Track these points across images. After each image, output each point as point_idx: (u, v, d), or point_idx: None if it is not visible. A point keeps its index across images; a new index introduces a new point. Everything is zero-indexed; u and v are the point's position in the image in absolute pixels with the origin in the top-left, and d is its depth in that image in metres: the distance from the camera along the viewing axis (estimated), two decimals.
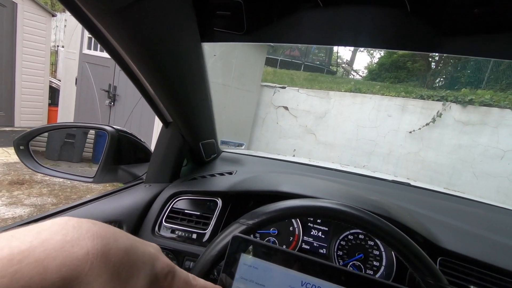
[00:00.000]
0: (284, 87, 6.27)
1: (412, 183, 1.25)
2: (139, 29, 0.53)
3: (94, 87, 4.97)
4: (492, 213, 1.05)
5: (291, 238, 0.89)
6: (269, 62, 10.78)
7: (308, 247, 0.87)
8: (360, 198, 0.81)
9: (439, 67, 8.70)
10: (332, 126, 5.78)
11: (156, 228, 0.85)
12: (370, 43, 0.72)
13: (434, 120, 4.85)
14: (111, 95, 4.66)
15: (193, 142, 0.96)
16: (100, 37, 0.58)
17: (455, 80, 7.27)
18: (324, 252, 0.86)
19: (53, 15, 6.26)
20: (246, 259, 0.52)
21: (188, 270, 0.55)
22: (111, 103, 4.70)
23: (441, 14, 0.54)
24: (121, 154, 1.00)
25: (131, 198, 0.87)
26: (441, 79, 8.45)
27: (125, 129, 0.98)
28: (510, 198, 4.20)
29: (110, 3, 0.45)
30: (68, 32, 5.65)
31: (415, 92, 5.41)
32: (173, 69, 0.67)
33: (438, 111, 4.83)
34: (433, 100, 4.98)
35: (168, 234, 0.85)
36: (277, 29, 0.68)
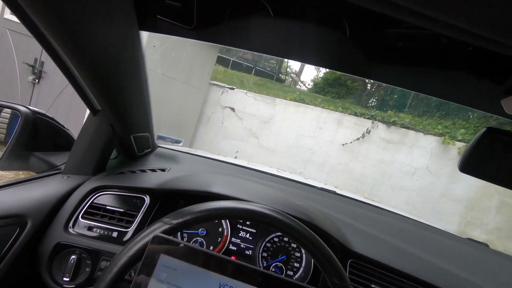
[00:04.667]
0: (233, 88, 6.28)
1: (338, 191, 1.36)
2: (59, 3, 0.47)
3: (16, 59, 4.28)
4: (399, 222, 1.21)
5: (219, 239, 0.89)
6: (222, 61, 10.69)
7: (235, 248, 0.89)
8: (285, 202, 0.85)
9: (373, 89, 9.65)
10: (275, 132, 5.98)
11: (70, 225, 0.77)
12: (310, 60, 0.77)
13: (363, 135, 5.38)
14: (36, 71, 4.07)
15: (123, 134, 0.90)
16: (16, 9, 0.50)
17: (384, 102, 8.17)
18: (250, 253, 0.88)
19: None
20: (166, 260, 0.51)
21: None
22: (35, 80, 4.11)
23: (374, 43, 0.61)
24: (36, 140, 0.89)
25: (43, 190, 0.78)
26: (374, 100, 9.42)
27: (43, 112, 0.87)
28: (416, 209, 4.89)
29: None
30: None
31: (350, 109, 5.91)
32: (103, 53, 0.61)
33: (368, 128, 5.37)
34: (364, 117, 5.51)
35: (83, 231, 0.78)
36: (227, 30, 0.68)
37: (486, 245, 1.24)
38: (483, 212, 4.49)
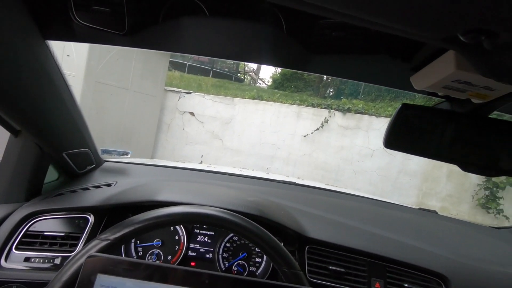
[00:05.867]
0: (189, 93, 6.16)
1: (298, 181, 1.39)
2: None
3: None
4: (356, 202, 1.26)
5: (177, 247, 0.86)
6: (177, 66, 10.45)
7: (195, 254, 0.87)
8: (236, 200, 0.84)
9: (329, 80, 10.02)
10: (238, 132, 5.98)
11: (2, 259, 0.70)
12: (251, 58, 0.77)
13: (322, 125, 5.59)
14: None
15: (53, 152, 0.83)
16: None
17: (340, 91, 8.54)
18: (210, 256, 0.87)
19: None
20: (103, 280, 0.48)
21: None
22: None
23: (309, 36, 0.62)
24: None
25: None
26: (330, 90, 9.82)
27: None
28: (378, 188, 5.19)
29: None
30: None
31: (308, 101, 6.09)
32: (1, 70, 0.55)
33: (326, 117, 5.59)
34: (321, 107, 5.72)
35: (19, 265, 0.71)
36: (161, 33, 0.65)
37: (435, 212, 1.34)
38: (436, 182, 4.90)
